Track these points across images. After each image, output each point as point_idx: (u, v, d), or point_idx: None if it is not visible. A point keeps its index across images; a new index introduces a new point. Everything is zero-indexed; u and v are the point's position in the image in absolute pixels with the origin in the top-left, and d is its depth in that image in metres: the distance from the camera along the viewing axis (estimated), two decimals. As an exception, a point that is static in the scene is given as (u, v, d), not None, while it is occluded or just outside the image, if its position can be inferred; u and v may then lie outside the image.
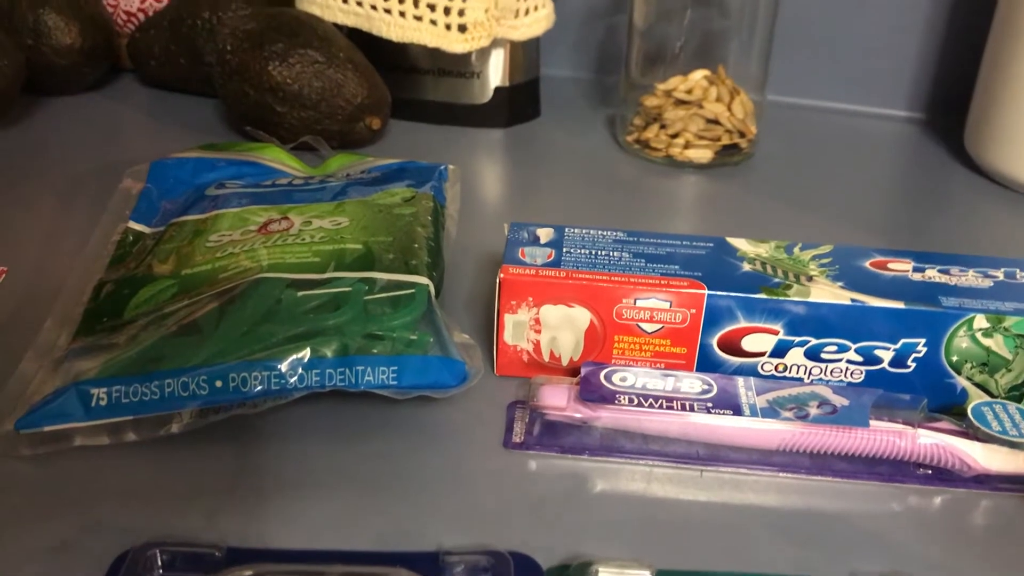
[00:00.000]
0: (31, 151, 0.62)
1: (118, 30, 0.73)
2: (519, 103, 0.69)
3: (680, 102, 0.63)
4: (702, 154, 0.62)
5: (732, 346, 0.39)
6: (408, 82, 0.67)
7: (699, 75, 0.63)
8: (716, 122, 0.63)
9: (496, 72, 0.67)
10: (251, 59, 0.59)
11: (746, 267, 0.40)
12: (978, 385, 0.39)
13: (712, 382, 0.38)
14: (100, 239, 0.47)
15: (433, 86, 0.67)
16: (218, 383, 0.35)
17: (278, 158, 0.55)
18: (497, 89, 0.67)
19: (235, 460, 0.36)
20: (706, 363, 0.40)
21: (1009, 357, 0.38)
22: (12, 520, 0.33)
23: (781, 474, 0.36)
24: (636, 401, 0.37)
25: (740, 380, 0.38)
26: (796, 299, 0.38)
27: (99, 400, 0.35)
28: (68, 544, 0.32)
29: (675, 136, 0.63)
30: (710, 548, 0.33)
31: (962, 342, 0.38)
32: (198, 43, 0.68)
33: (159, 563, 0.30)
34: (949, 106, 0.73)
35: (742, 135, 0.63)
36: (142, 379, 0.35)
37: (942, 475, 0.36)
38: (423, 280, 0.40)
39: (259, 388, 0.35)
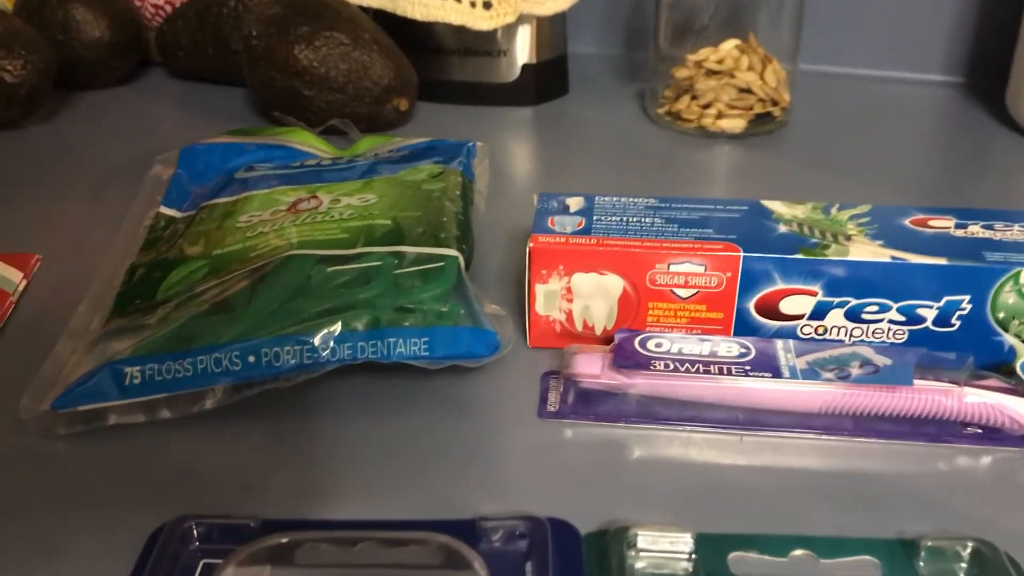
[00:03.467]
0: (63, 145, 0.62)
1: (146, 23, 0.73)
2: (547, 80, 0.68)
3: (711, 72, 0.62)
4: (735, 123, 0.61)
5: (770, 309, 0.38)
6: (435, 63, 0.67)
7: (730, 45, 0.62)
8: (748, 91, 0.61)
9: (523, 49, 0.66)
10: (277, 44, 0.59)
11: (782, 228, 0.39)
12: (1026, 342, 0.38)
13: (750, 345, 0.37)
14: (132, 225, 0.48)
15: (460, 66, 0.67)
16: (251, 358, 0.35)
17: (307, 141, 0.55)
18: (524, 67, 0.66)
19: (269, 434, 0.36)
20: (743, 328, 0.39)
21: (1058, 312, 0.37)
22: (50, 498, 0.33)
23: (823, 437, 0.35)
24: (672, 366, 0.36)
25: (779, 343, 0.37)
26: (835, 259, 0.37)
27: (133, 379, 0.35)
28: (106, 520, 0.32)
29: (707, 107, 0.62)
30: (752, 512, 0.32)
31: (1009, 297, 0.37)
32: (225, 32, 0.68)
33: (195, 536, 0.30)
34: (989, 68, 0.71)
35: (775, 103, 0.62)
36: (175, 357, 0.35)
37: (991, 434, 0.35)
38: (452, 252, 0.40)
39: (292, 362, 0.35)
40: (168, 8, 0.72)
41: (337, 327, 0.36)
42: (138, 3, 0.73)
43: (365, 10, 0.64)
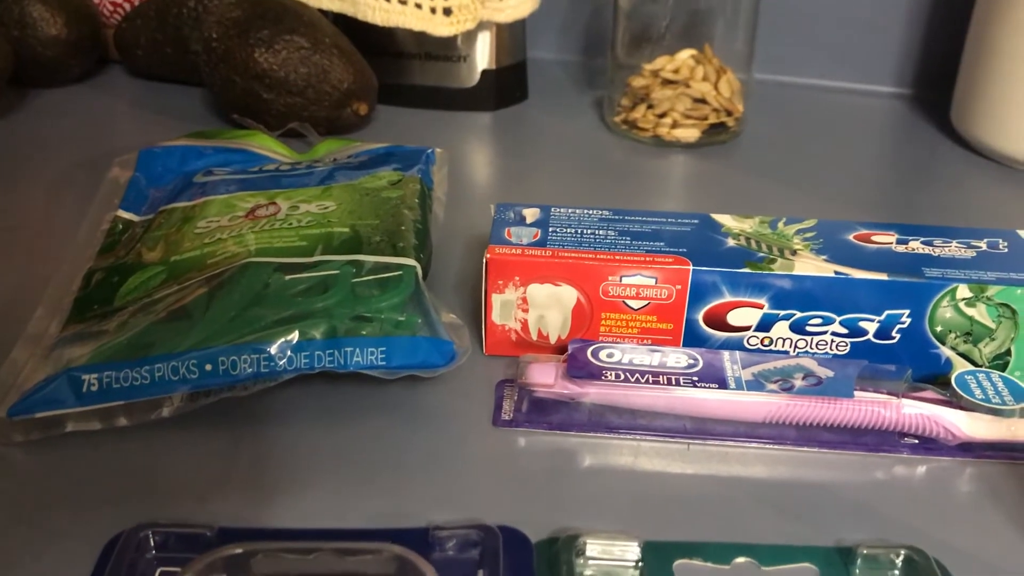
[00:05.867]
0: (19, 144, 0.62)
1: (104, 21, 0.73)
2: (506, 86, 0.69)
3: (667, 82, 0.63)
4: (689, 133, 0.63)
5: (718, 321, 0.39)
6: (395, 67, 0.67)
7: (685, 54, 0.63)
8: (703, 101, 0.63)
9: (483, 55, 0.67)
10: (237, 46, 0.59)
11: (731, 242, 0.40)
12: (962, 355, 0.39)
13: (698, 356, 0.38)
14: (90, 228, 0.48)
15: (420, 70, 0.67)
16: (208, 367, 0.35)
17: (265, 145, 0.55)
18: (484, 72, 0.67)
19: (226, 443, 0.36)
20: (692, 338, 0.40)
21: (992, 326, 0.38)
22: (6, 506, 0.33)
23: (768, 446, 0.37)
24: (623, 376, 0.37)
25: (726, 354, 0.38)
26: (780, 273, 0.38)
27: (90, 386, 0.35)
28: (62, 529, 0.32)
29: (662, 116, 0.63)
30: (698, 520, 0.33)
31: (946, 312, 0.38)
32: (184, 32, 0.68)
33: (152, 544, 0.30)
34: (935, 81, 0.73)
35: (729, 114, 0.63)
36: (133, 364, 0.36)
37: (927, 444, 0.37)
38: (410, 262, 0.40)
39: (249, 371, 0.35)
40: (126, 6, 0.72)
41: (294, 336, 0.36)
42: (96, 0, 0.72)
43: (325, 14, 0.65)
